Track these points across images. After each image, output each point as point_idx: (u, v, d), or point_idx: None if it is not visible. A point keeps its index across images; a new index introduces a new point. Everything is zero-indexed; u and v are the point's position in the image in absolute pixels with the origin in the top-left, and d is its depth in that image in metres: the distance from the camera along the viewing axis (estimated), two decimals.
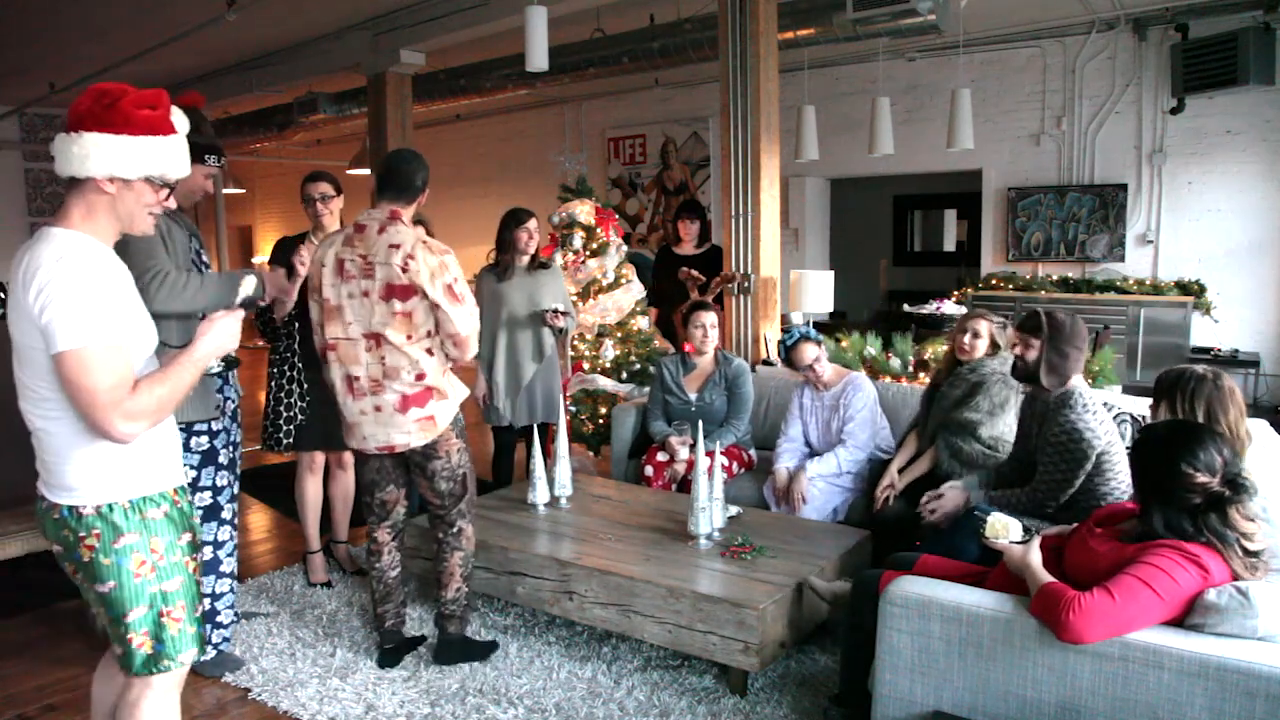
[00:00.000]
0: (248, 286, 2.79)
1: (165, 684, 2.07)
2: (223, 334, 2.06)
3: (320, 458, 3.94)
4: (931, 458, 3.61)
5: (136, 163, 1.92)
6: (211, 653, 3.20)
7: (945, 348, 3.93)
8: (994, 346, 3.66)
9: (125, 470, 1.95)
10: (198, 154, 3.00)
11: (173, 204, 2.09)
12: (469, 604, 3.28)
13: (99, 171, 1.90)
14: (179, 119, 2.03)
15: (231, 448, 3.22)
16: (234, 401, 3.24)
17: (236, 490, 3.27)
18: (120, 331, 1.88)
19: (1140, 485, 2.23)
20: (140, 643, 1.98)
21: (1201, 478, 2.11)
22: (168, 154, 1.97)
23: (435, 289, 2.90)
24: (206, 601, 3.15)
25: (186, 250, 3.03)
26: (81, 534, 1.94)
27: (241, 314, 2.15)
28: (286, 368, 3.79)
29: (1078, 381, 3.05)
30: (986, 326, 3.65)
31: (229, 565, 3.24)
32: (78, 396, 1.84)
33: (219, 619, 3.22)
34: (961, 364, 3.66)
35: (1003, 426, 3.50)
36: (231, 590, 3.27)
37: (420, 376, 2.99)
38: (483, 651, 3.28)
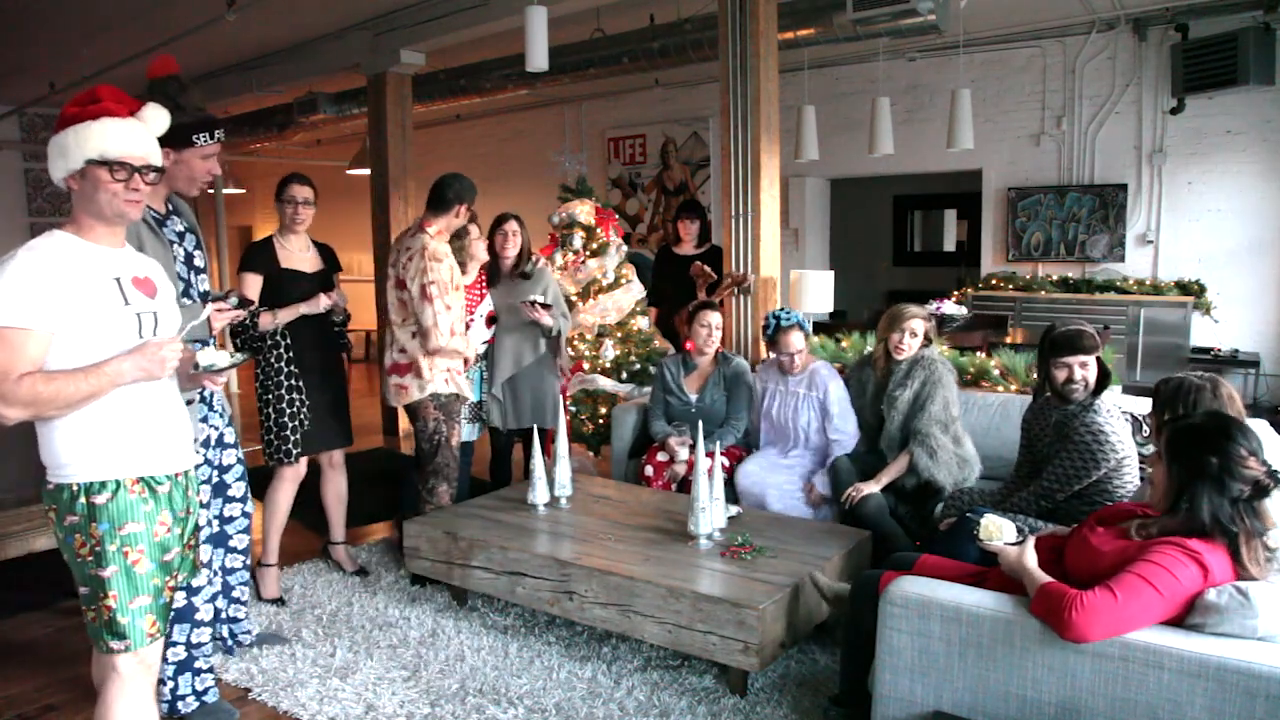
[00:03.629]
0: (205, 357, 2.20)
1: (130, 668, 2.10)
2: (148, 359, 2.00)
3: (303, 465, 3.85)
4: (904, 464, 3.68)
5: (76, 150, 2.01)
6: (194, 704, 2.89)
7: (877, 350, 3.91)
8: (926, 340, 3.80)
9: (78, 453, 2.02)
10: (184, 137, 2.64)
11: (144, 187, 2.06)
12: None
13: (60, 172, 2.03)
14: (155, 111, 2.09)
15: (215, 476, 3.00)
16: (218, 430, 3.00)
17: (229, 529, 3.10)
18: (42, 318, 1.91)
19: (1184, 475, 2.15)
20: (92, 616, 2.09)
21: (1253, 463, 2.10)
22: (102, 135, 2.02)
23: (413, 286, 3.64)
24: (181, 649, 2.86)
25: (166, 261, 2.67)
26: (45, 507, 2.12)
27: (179, 346, 2.06)
28: (283, 378, 3.70)
29: None
30: (923, 325, 3.77)
31: (206, 612, 2.92)
32: None
33: (196, 665, 2.89)
34: (898, 361, 3.78)
35: (953, 409, 3.70)
36: (215, 639, 3.06)
37: (403, 351, 3.77)
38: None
